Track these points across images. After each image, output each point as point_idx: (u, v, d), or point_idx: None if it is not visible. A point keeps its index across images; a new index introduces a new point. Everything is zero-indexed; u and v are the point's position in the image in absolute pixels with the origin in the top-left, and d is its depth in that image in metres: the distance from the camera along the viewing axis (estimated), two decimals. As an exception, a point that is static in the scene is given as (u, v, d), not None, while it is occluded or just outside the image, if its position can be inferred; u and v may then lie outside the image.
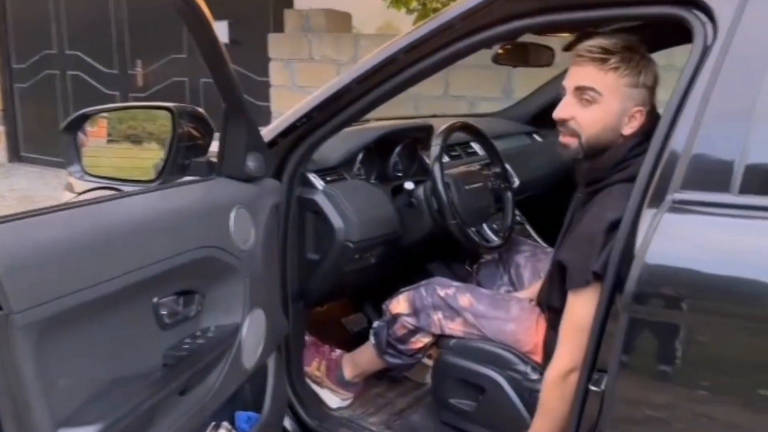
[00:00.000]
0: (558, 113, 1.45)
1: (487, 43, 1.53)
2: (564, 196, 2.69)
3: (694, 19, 1.22)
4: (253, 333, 1.43)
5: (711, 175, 1.12)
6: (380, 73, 1.55)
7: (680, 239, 1.11)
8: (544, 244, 2.26)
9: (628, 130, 1.42)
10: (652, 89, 1.44)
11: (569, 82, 1.44)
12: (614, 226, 1.28)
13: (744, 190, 1.08)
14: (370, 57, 1.56)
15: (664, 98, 1.70)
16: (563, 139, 1.48)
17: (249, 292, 1.40)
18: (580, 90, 1.41)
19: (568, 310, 1.40)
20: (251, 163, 1.47)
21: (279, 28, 5.18)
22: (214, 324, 1.34)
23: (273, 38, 5.04)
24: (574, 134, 1.44)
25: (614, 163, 1.42)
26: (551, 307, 1.52)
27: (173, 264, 1.18)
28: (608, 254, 1.25)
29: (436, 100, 4.27)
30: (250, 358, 1.44)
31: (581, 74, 1.42)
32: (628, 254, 1.19)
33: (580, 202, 1.54)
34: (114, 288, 1.07)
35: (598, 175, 1.45)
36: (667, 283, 1.11)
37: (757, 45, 1.11)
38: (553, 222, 2.76)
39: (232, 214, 1.36)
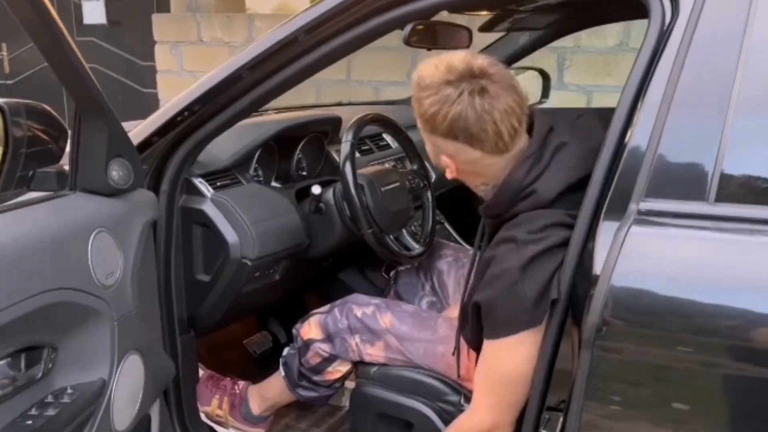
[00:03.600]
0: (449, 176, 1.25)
1: (401, 22, 1.30)
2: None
3: None
4: (126, 386, 1.14)
5: (681, 180, 0.94)
6: (277, 58, 1.29)
7: (652, 258, 0.92)
8: (467, 246, 2.07)
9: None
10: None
11: None
12: (533, 259, 1.08)
13: (721, 198, 0.91)
14: (264, 39, 1.29)
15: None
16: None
17: (118, 337, 1.11)
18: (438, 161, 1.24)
19: (486, 359, 1.18)
20: (116, 172, 1.17)
21: (164, 7, 4.73)
22: (72, 384, 1.05)
23: (158, 18, 4.59)
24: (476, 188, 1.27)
25: (512, 194, 1.17)
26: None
27: (6, 318, 0.88)
28: (543, 288, 1.07)
29: (338, 85, 4.01)
30: (124, 418, 1.15)
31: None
32: (584, 277, 0.99)
33: (488, 231, 1.31)
34: None
35: (497, 211, 1.22)
36: (640, 312, 0.91)
37: (730, 25, 0.93)
38: (473, 218, 2.59)
39: (91, 241, 1.06)
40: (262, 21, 4.33)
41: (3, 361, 0.92)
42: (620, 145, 1.01)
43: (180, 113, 1.36)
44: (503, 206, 1.19)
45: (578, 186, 1.13)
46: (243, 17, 4.48)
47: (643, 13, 1.06)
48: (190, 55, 4.52)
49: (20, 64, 5.52)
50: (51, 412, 0.97)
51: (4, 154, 1.09)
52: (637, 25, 3.20)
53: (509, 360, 1.14)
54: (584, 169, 1.13)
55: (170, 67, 4.58)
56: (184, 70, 4.54)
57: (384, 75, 4.02)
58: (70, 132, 1.19)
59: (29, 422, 0.94)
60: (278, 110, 2.06)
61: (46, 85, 5.51)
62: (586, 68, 3.52)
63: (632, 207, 0.94)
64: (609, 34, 3.35)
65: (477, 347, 1.23)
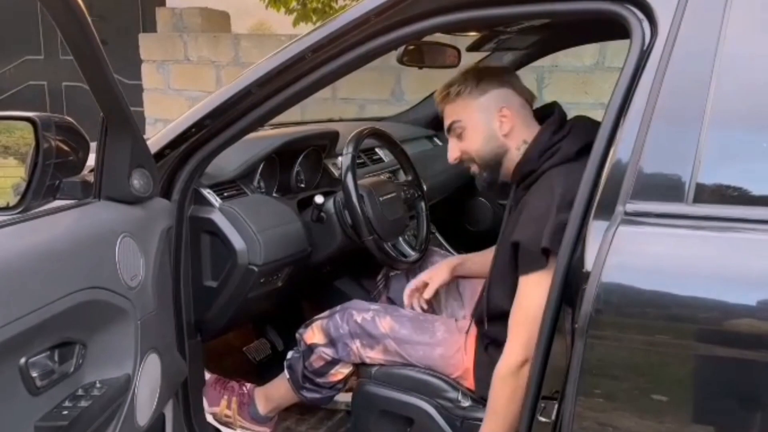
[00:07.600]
0: (450, 158, 1.54)
1: (398, 43, 1.40)
2: (467, 200, 2.64)
3: (630, 15, 1.14)
4: (147, 383, 1.21)
5: (663, 184, 1.04)
6: (285, 75, 1.37)
7: (638, 254, 1.02)
8: (455, 253, 2.16)
9: (505, 128, 1.46)
10: (506, 84, 1.48)
11: (445, 127, 1.54)
12: (564, 200, 1.25)
13: (698, 200, 1.01)
14: (273, 57, 1.37)
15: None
16: (472, 170, 1.55)
17: (141, 336, 1.17)
18: (450, 129, 1.52)
19: (521, 297, 1.33)
20: (137, 181, 1.24)
21: (150, 27, 4.82)
22: (100, 378, 1.11)
23: (144, 38, 4.67)
24: (472, 161, 1.52)
25: (540, 151, 1.43)
26: (494, 315, 1.43)
27: (45, 315, 0.94)
28: (561, 233, 1.18)
29: (324, 104, 4.11)
30: (144, 413, 1.21)
31: (445, 116, 1.53)
32: (576, 271, 1.09)
33: (517, 197, 1.49)
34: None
35: (529, 168, 1.44)
36: (628, 303, 1.01)
37: (703, 45, 1.04)
38: (458, 228, 2.69)
39: (118, 245, 1.13)
40: (248, 41, 4.42)
41: (42, 356, 0.99)
42: (607, 153, 1.11)
43: (191, 127, 1.43)
44: (533, 163, 1.42)
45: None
46: (229, 37, 4.58)
47: (620, 33, 1.17)
48: (177, 73, 4.60)
49: (5, 81, 5.55)
50: (84, 404, 1.04)
51: (35, 165, 1.16)
52: (612, 46, 3.36)
53: (539, 294, 1.22)
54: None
55: (156, 85, 4.65)
56: (170, 88, 4.61)
57: (368, 93, 4.14)
58: (93, 144, 1.26)
59: (65, 413, 1.00)
60: (273, 126, 2.14)
61: (30, 103, 5.54)
62: (563, 86, 3.67)
63: (619, 208, 1.04)
64: (585, 53, 3.50)
65: (508, 306, 1.36)
